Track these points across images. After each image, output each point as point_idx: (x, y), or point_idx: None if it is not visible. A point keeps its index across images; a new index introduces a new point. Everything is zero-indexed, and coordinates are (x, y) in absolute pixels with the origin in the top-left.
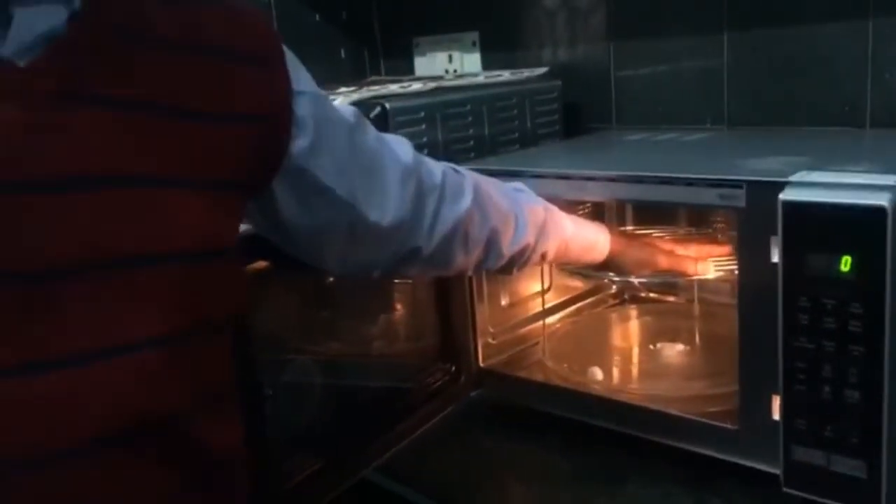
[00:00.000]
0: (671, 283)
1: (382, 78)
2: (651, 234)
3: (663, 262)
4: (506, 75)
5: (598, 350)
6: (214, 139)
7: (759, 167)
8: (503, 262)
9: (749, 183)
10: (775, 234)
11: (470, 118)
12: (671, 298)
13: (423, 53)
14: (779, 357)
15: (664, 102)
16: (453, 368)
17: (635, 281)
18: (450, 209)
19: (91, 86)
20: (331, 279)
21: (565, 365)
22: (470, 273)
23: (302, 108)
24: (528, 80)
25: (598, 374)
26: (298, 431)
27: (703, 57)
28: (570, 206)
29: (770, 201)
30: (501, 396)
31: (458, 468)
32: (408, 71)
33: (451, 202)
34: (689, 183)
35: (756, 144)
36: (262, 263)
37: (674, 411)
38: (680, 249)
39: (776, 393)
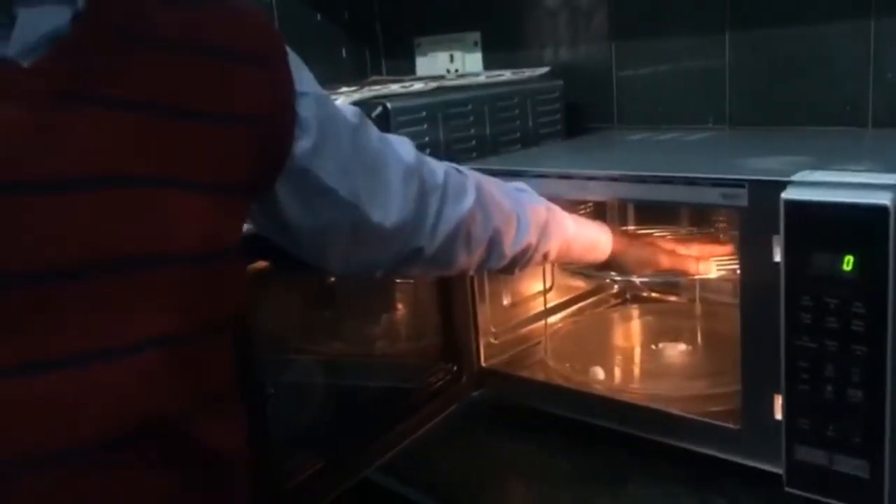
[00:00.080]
0: (673, 282)
1: (384, 78)
2: (653, 233)
3: (665, 261)
4: (507, 75)
5: (600, 350)
6: (216, 140)
7: (762, 166)
8: (505, 261)
9: (751, 182)
10: (777, 233)
11: (471, 118)
12: (673, 298)
13: (424, 53)
14: (781, 356)
15: (666, 102)
16: (455, 368)
17: (637, 280)
18: (452, 209)
19: (94, 86)
20: (332, 279)
21: (567, 365)
22: (472, 273)
23: (305, 108)
24: (530, 79)
25: (599, 373)
26: (300, 431)
27: (704, 57)
28: (572, 206)
29: (772, 200)
30: (503, 396)
31: (460, 468)
32: (409, 71)
33: (454, 202)
34: (692, 182)
35: (758, 144)
36: (262, 263)
37: (676, 411)
38: (682, 249)
39: (778, 392)
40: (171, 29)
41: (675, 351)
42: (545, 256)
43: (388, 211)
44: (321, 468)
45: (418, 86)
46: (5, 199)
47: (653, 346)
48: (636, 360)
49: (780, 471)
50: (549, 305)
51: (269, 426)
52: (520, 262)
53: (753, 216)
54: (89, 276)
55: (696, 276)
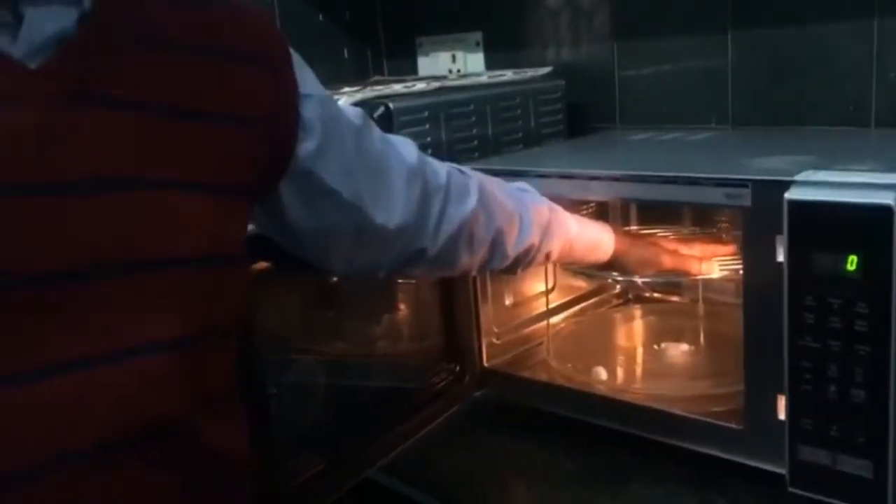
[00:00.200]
0: (675, 282)
1: (386, 78)
2: (655, 233)
3: (667, 261)
4: (509, 75)
5: (603, 350)
6: (221, 141)
7: (765, 166)
8: (508, 262)
9: (754, 182)
10: (781, 233)
11: (473, 118)
12: (675, 298)
13: (426, 53)
14: (784, 356)
15: (668, 102)
16: (457, 368)
17: (639, 281)
18: (455, 209)
19: (100, 88)
20: (334, 279)
21: (569, 365)
22: (474, 273)
23: (309, 110)
24: (532, 79)
25: (602, 373)
26: (302, 431)
27: (707, 56)
28: (574, 206)
29: (776, 200)
30: (505, 396)
31: (463, 468)
32: (411, 71)
33: (457, 202)
34: (695, 182)
35: (761, 144)
36: (263, 264)
37: (678, 411)
38: (684, 249)
39: (781, 392)
40: (175, 30)
41: (678, 351)
42: (548, 256)
43: (392, 212)
44: (323, 468)
45: (420, 86)
46: (10, 200)
47: (655, 347)
48: (638, 360)
49: (783, 471)
50: (551, 306)
51: (272, 426)
52: (522, 262)
53: (757, 216)
54: (93, 279)
55: (699, 277)
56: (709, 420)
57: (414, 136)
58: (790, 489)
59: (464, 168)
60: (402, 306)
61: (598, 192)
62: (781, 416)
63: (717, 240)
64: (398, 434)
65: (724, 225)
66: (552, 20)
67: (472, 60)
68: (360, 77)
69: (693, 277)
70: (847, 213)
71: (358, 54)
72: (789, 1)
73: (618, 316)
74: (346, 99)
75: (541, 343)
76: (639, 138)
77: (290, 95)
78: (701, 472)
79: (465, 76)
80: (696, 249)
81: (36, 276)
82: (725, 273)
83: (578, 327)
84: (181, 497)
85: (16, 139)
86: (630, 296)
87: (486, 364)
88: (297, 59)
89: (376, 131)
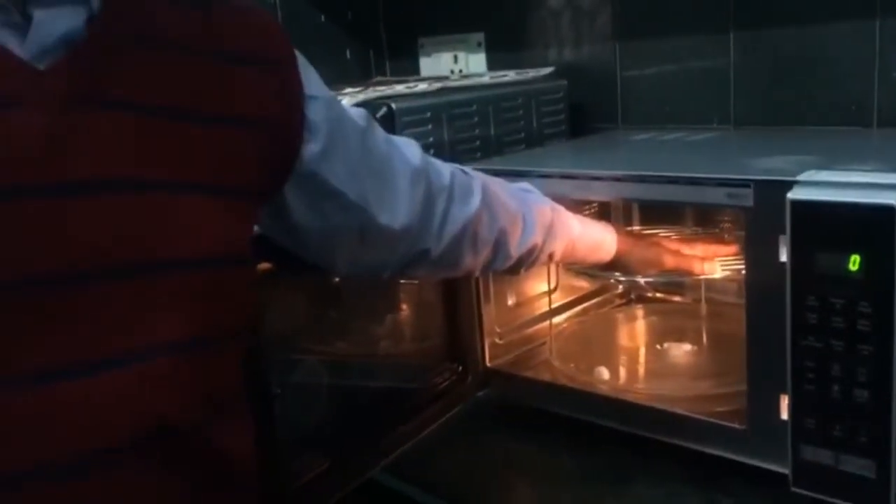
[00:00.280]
0: (678, 282)
1: (388, 78)
2: (657, 233)
3: (670, 261)
4: (511, 75)
5: (605, 350)
6: (226, 143)
7: (767, 166)
8: (511, 262)
9: (757, 182)
10: (783, 233)
11: (476, 118)
12: (678, 298)
13: (428, 54)
14: (787, 356)
15: (670, 102)
16: (460, 368)
17: (642, 281)
18: (459, 210)
19: (105, 89)
20: (337, 280)
21: (572, 365)
22: (478, 274)
23: (314, 112)
24: (534, 80)
25: (604, 373)
26: (306, 431)
27: (709, 56)
28: (577, 206)
29: (778, 200)
30: (508, 396)
31: (465, 468)
32: (413, 71)
33: (460, 203)
34: (697, 182)
35: (763, 144)
36: (266, 265)
37: (681, 411)
38: (686, 249)
39: (784, 392)
40: (181, 32)
41: (681, 351)
42: (550, 257)
43: (396, 213)
44: (326, 468)
45: (422, 86)
46: (20, 203)
47: (658, 347)
48: (641, 360)
49: (786, 471)
50: (553, 306)
51: (276, 426)
52: (525, 262)
53: (759, 216)
54: (94, 281)
55: (702, 277)
56: (711, 420)
57: (416, 137)
58: (793, 489)
59: (467, 169)
60: (404, 307)
61: (601, 193)
62: (784, 415)
63: (720, 240)
64: (401, 434)
65: (726, 225)
66: (554, 20)
67: (473, 61)
68: (362, 77)
69: (695, 277)
70: (849, 213)
71: (360, 55)
72: (791, 1)
73: (620, 316)
74: (349, 99)
75: (543, 343)
76: (641, 138)
77: (295, 97)
78: (704, 472)
79: (467, 77)
80: (699, 249)
81: (37, 277)
82: (728, 273)
83: (581, 327)
84: (189, 498)
85: (24, 140)
86: (632, 296)
87: (488, 364)
88: (302, 60)
89: (380, 132)
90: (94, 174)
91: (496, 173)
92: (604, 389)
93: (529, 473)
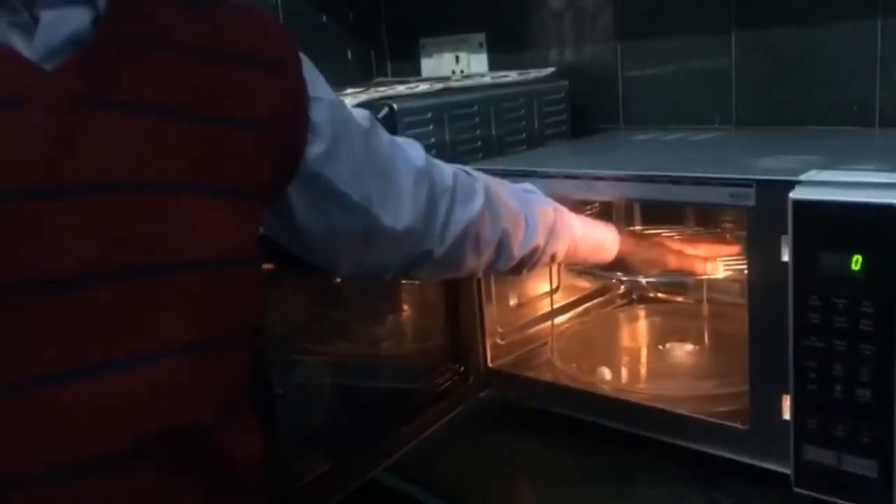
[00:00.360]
0: (680, 282)
1: (389, 79)
2: (659, 233)
3: (672, 261)
4: (513, 76)
5: (607, 350)
6: (231, 144)
7: (769, 166)
8: (514, 263)
9: (759, 182)
10: (785, 233)
11: (477, 119)
12: (680, 298)
13: (429, 54)
14: (789, 356)
15: (672, 102)
16: (462, 369)
17: (644, 281)
18: (462, 211)
19: (111, 90)
20: (338, 280)
21: (574, 365)
22: (480, 275)
23: (318, 114)
24: (536, 80)
25: (606, 374)
26: (308, 432)
27: (710, 57)
28: (578, 206)
29: (780, 200)
30: (510, 397)
31: (467, 468)
32: (414, 72)
33: (463, 204)
34: (699, 182)
35: (765, 144)
36: (269, 265)
37: (683, 411)
38: (688, 249)
39: (786, 392)
40: (186, 33)
41: (683, 351)
42: (553, 257)
43: (400, 214)
44: (328, 469)
45: (424, 87)
46: (24, 203)
47: (660, 347)
48: (643, 360)
49: (788, 471)
50: (555, 306)
51: (279, 427)
52: (528, 263)
53: (761, 216)
54: (110, 284)
55: (704, 277)
56: (714, 420)
57: (418, 137)
58: (795, 489)
59: (469, 169)
60: (406, 307)
61: (602, 193)
62: (786, 415)
63: (722, 240)
64: (403, 434)
65: (728, 225)
66: (555, 21)
67: (475, 61)
68: (363, 78)
69: (697, 277)
70: (852, 213)
71: (361, 55)
72: (793, 1)
73: (622, 316)
74: (350, 100)
75: (545, 343)
76: (642, 138)
77: (299, 99)
78: (706, 472)
79: (468, 77)
80: (701, 249)
81: (39, 278)
82: (730, 273)
83: (583, 327)
84: (193, 499)
85: (29, 140)
86: (634, 296)
87: (490, 364)
88: (307, 62)
89: (384, 134)
90: (98, 175)
91: (498, 174)
92: (606, 390)
93: (531, 474)
